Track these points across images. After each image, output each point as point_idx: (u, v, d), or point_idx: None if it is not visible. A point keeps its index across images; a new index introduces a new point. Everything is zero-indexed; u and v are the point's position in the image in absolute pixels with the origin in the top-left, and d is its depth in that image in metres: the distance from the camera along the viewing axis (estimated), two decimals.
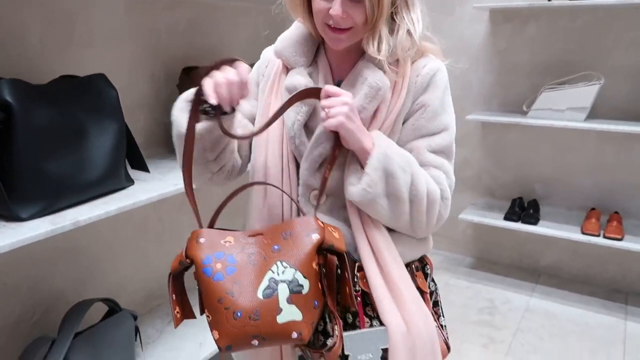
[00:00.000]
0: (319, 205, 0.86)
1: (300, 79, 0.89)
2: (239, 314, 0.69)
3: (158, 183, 1.26)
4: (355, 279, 0.88)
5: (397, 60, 0.87)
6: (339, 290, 0.83)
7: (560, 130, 2.46)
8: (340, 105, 0.80)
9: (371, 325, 0.88)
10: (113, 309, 1.32)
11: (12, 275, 1.27)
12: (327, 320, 0.89)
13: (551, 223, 2.37)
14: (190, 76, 1.47)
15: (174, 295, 0.76)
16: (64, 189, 1.05)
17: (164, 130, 1.62)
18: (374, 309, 0.87)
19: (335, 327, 0.84)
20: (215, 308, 0.70)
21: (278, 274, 0.71)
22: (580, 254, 2.55)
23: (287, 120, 0.91)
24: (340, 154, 0.86)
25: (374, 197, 0.82)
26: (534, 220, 2.37)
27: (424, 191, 0.84)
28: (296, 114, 0.90)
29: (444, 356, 0.92)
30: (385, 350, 0.85)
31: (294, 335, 0.72)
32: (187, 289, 0.79)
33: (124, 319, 1.29)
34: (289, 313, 0.71)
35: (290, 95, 0.85)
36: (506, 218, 2.45)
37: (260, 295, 0.70)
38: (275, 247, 0.74)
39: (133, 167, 1.28)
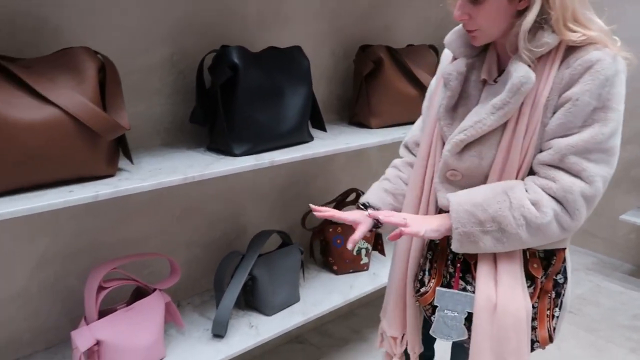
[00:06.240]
0: (454, 182, 0.97)
1: (451, 67, 0.97)
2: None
3: (332, 141, 1.50)
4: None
5: (551, 52, 0.87)
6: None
7: None
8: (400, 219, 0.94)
9: (464, 289, 0.99)
10: (286, 241, 1.60)
11: (220, 204, 1.62)
12: (426, 273, 1.06)
13: None
14: (366, 53, 1.67)
15: None
16: (265, 135, 1.33)
17: (337, 100, 1.86)
18: (473, 277, 0.98)
19: (432, 280, 1.02)
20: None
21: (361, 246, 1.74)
22: None
23: (437, 104, 1.02)
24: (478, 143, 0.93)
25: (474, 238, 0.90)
26: None
27: (514, 229, 0.87)
28: (442, 98, 0.99)
29: (543, 343, 0.97)
30: (469, 314, 0.96)
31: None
32: None
33: (293, 250, 1.57)
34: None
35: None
36: None
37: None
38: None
39: (314, 126, 1.54)
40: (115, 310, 1.24)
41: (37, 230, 1.26)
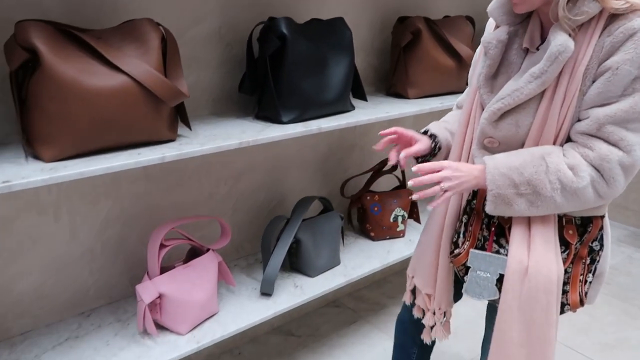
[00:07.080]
0: (491, 149, 0.98)
1: (491, 36, 0.97)
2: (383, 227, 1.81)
3: (372, 110, 1.55)
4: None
5: (593, 20, 0.85)
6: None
7: None
8: (440, 177, 0.93)
9: (497, 252, 1.01)
10: (327, 207, 1.67)
11: (263, 173, 1.70)
12: (460, 235, 1.09)
13: None
14: (404, 24, 1.70)
15: None
16: (311, 104, 1.39)
17: (374, 72, 1.90)
18: (507, 241, 0.99)
19: (466, 243, 1.05)
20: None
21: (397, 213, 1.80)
22: None
23: (477, 72, 1.03)
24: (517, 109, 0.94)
25: (507, 200, 0.92)
26: None
27: (549, 193, 0.88)
28: (482, 67, 1.00)
29: (574, 306, 0.98)
30: (501, 276, 0.99)
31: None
32: None
33: (334, 216, 1.64)
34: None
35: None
36: None
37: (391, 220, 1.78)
38: (394, 201, 1.79)
39: (354, 96, 1.59)
40: (174, 267, 1.33)
41: (101, 194, 1.35)
